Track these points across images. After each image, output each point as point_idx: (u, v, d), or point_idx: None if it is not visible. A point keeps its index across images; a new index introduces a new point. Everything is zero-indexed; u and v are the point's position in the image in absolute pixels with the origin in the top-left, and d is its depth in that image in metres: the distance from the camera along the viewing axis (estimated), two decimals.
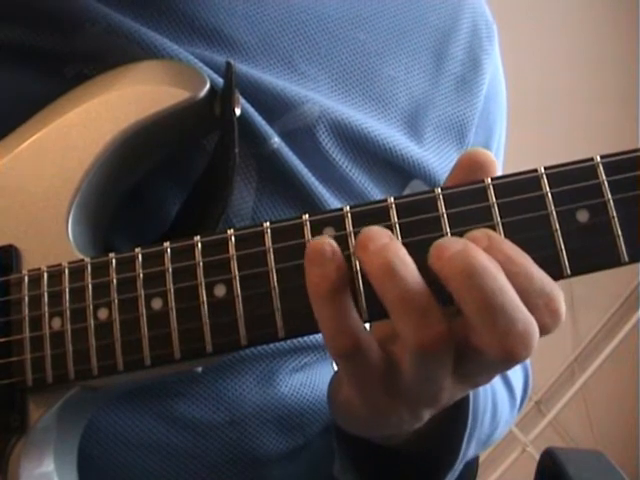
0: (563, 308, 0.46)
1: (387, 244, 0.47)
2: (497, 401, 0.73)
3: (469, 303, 0.45)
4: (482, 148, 0.53)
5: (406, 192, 0.74)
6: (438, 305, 0.46)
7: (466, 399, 0.62)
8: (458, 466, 0.65)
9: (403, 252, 0.47)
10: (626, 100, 2.45)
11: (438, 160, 0.75)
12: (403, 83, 0.74)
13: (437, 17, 0.78)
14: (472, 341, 0.46)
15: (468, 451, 0.66)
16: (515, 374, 0.82)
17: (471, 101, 0.79)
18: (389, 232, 0.48)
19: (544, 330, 0.46)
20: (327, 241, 0.48)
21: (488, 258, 0.45)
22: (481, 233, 0.47)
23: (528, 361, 0.86)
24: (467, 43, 0.80)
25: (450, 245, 0.46)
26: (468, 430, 0.63)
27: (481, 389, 0.66)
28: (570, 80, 2.51)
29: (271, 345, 0.67)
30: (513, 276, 0.46)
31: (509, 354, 0.45)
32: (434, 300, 0.46)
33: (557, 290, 0.47)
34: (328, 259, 0.47)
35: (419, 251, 0.49)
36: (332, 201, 0.68)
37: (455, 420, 0.63)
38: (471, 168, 0.51)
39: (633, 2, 2.51)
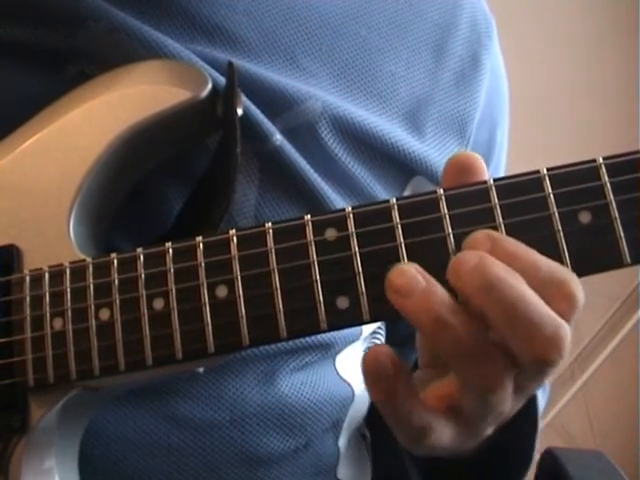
0: (578, 291, 0.46)
1: (430, 294, 0.46)
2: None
3: (494, 317, 0.45)
4: (468, 151, 0.53)
5: (408, 189, 0.74)
6: (493, 344, 0.46)
7: (533, 404, 0.62)
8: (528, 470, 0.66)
9: (447, 297, 0.46)
10: (627, 100, 2.45)
11: (439, 155, 0.75)
12: (404, 79, 0.74)
13: (437, 13, 0.78)
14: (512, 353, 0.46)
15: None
16: None
17: (471, 96, 0.79)
18: (418, 269, 0.47)
19: (565, 317, 0.46)
20: (385, 353, 0.48)
21: (504, 268, 0.45)
22: (482, 235, 0.47)
23: None
24: (466, 39, 0.80)
25: (466, 261, 0.46)
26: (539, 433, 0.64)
27: None
28: (571, 80, 2.51)
29: (272, 345, 0.67)
30: (520, 272, 0.46)
31: (541, 359, 0.45)
32: (489, 340, 0.46)
33: (568, 274, 0.46)
34: (389, 372, 0.47)
35: (422, 252, 0.49)
36: (334, 198, 0.68)
37: (521, 426, 0.63)
38: (458, 172, 0.52)
39: (633, 2, 2.50)
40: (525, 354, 0.45)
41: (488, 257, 0.46)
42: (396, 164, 0.72)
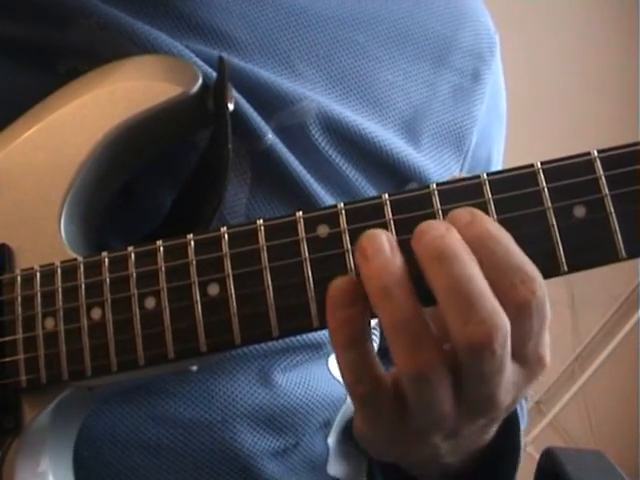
0: (540, 289, 0.46)
1: (387, 264, 0.47)
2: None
3: (439, 289, 0.46)
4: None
5: None
6: (431, 332, 0.47)
7: (515, 434, 0.63)
8: None
9: (401, 272, 0.47)
10: (627, 96, 2.46)
11: (436, 166, 0.75)
12: (401, 88, 0.74)
13: (439, 24, 0.78)
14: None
15: None
16: None
17: (469, 110, 0.78)
18: (391, 240, 0.48)
19: (520, 308, 0.46)
20: (351, 282, 0.48)
21: (464, 247, 0.46)
22: (465, 210, 0.48)
23: None
24: (467, 53, 0.79)
25: (431, 229, 0.47)
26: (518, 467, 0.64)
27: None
28: (569, 76, 2.51)
29: (263, 344, 0.67)
30: (490, 250, 0.46)
31: (470, 342, 0.45)
32: (427, 327, 0.47)
33: (536, 272, 0.47)
34: (350, 303, 0.48)
35: None
36: (327, 198, 0.68)
37: (501, 460, 0.63)
38: None
39: (633, 1, 2.51)
40: (458, 334, 0.45)
41: (454, 232, 0.46)
42: (390, 170, 0.72)
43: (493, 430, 0.57)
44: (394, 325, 0.47)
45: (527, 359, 0.49)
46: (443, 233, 0.46)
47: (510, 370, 0.48)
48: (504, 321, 0.45)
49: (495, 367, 0.47)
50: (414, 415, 0.50)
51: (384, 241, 0.48)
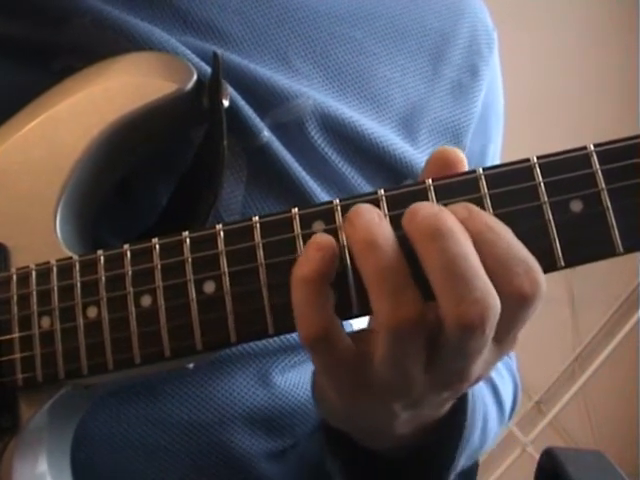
0: (543, 280, 0.46)
1: (373, 219, 0.47)
2: (488, 417, 0.73)
3: (432, 268, 0.45)
4: (454, 148, 0.53)
5: None
6: (415, 286, 0.46)
7: (461, 415, 0.62)
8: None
9: (388, 230, 0.47)
10: (627, 96, 2.46)
11: None
12: (399, 84, 0.74)
13: (437, 19, 0.78)
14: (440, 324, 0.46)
15: (457, 465, 0.65)
16: (505, 387, 0.81)
17: (467, 106, 0.78)
18: (379, 211, 0.48)
19: (524, 298, 0.46)
20: (325, 236, 0.48)
21: (458, 226, 0.46)
22: (460, 206, 0.47)
23: (517, 375, 0.86)
24: (465, 49, 0.79)
25: (424, 208, 0.46)
26: (461, 446, 0.63)
27: (476, 404, 0.65)
28: (570, 75, 2.51)
29: (261, 344, 0.67)
30: (492, 243, 0.46)
31: (463, 321, 0.45)
32: (411, 280, 0.46)
33: (537, 263, 0.46)
34: (320, 249, 0.48)
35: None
36: (323, 196, 0.68)
37: (449, 436, 0.62)
38: (441, 167, 0.51)
39: (633, 0, 2.51)
40: (450, 313, 0.45)
41: (447, 212, 0.46)
42: (387, 167, 0.72)
43: (449, 404, 0.57)
44: (377, 273, 0.46)
45: (507, 341, 0.49)
46: (437, 211, 0.46)
47: (488, 349, 0.48)
48: (496, 302, 0.45)
49: (478, 345, 0.46)
50: (379, 373, 0.49)
51: (372, 210, 0.47)
